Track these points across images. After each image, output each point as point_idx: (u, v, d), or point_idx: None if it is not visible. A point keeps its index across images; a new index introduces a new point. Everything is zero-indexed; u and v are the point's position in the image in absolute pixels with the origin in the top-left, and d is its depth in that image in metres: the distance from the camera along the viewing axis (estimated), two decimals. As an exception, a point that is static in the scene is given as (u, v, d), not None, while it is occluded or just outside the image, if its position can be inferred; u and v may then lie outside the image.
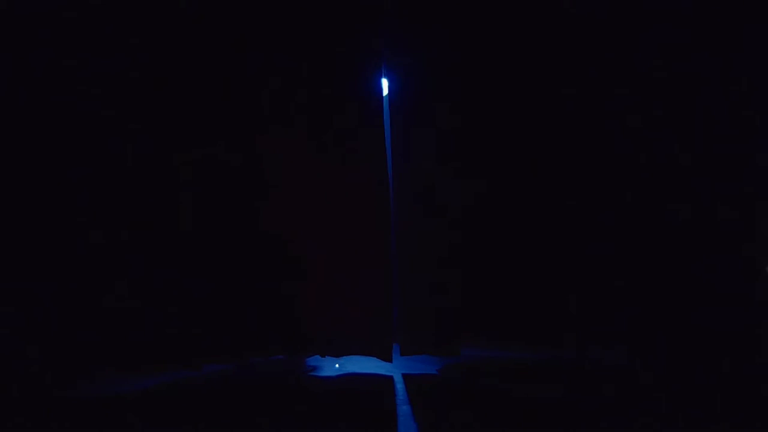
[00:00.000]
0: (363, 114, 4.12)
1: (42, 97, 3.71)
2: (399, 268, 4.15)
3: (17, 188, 3.59)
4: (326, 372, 3.94)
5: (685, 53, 3.97)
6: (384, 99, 4.36)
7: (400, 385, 3.55)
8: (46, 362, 3.45)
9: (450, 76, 4.21)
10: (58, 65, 3.73)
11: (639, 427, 2.73)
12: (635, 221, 3.95)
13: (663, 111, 3.96)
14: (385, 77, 5.15)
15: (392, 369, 3.97)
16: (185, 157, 3.89)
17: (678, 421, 2.81)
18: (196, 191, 3.87)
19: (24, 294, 3.46)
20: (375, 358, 4.16)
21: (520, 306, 4.02)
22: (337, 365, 4.10)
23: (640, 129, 3.98)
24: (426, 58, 4.22)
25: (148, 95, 3.86)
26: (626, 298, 3.90)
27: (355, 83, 4.14)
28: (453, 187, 4.13)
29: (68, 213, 3.65)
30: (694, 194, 3.86)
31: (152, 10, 3.91)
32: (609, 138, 4.02)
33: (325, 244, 4.03)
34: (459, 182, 4.12)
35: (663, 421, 2.80)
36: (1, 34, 3.64)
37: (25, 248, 3.54)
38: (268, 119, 4.05)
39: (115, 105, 3.80)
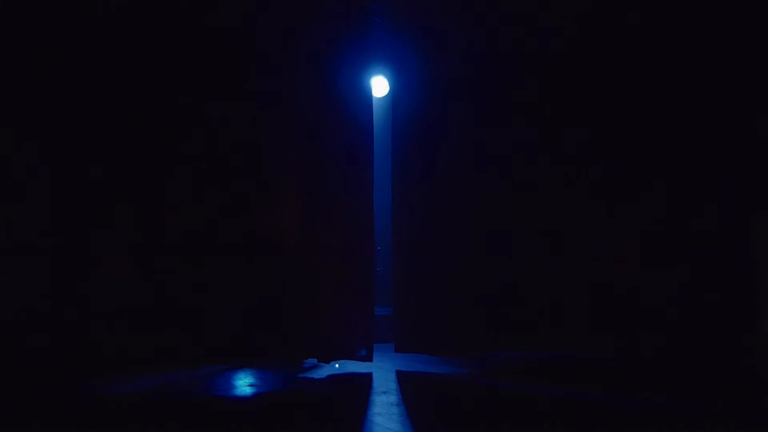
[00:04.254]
0: (353, 125, 4.06)
1: None
2: (395, 277, 4.18)
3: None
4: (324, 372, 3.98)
5: None
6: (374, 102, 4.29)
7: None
8: (44, 363, 3.47)
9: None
10: None
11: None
12: None
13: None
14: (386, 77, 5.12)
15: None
16: (187, 157, 3.89)
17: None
18: (194, 192, 3.85)
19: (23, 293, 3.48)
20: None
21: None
22: (336, 365, 4.12)
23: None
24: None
25: None
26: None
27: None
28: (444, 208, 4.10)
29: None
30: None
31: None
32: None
33: (316, 257, 3.98)
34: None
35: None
36: None
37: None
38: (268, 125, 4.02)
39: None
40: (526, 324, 3.92)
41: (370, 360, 3.95)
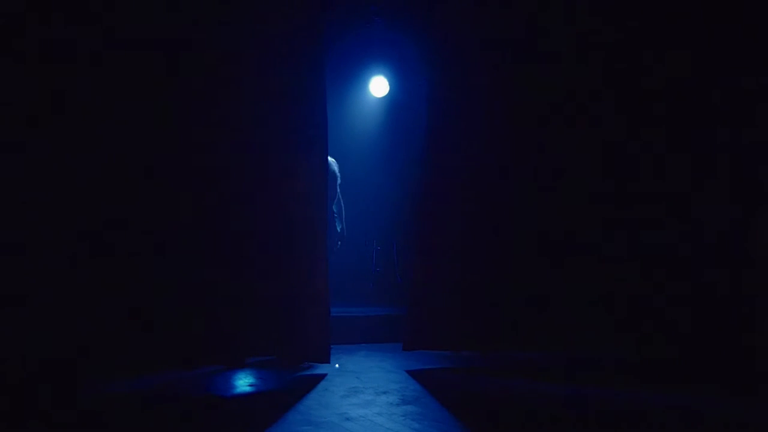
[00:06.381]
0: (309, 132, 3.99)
1: None
2: (413, 280, 4.26)
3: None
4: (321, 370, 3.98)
5: None
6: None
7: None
8: (42, 363, 3.44)
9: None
10: None
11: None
12: None
13: None
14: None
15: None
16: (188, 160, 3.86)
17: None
18: (191, 193, 3.82)
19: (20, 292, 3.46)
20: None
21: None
22: (336, 365, 4.11)
23: None
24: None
25: None
26: None
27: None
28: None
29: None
30: None
31: None
32: None
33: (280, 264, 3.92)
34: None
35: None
36: None
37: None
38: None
39: None
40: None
41: (328, 361, 3.92)
